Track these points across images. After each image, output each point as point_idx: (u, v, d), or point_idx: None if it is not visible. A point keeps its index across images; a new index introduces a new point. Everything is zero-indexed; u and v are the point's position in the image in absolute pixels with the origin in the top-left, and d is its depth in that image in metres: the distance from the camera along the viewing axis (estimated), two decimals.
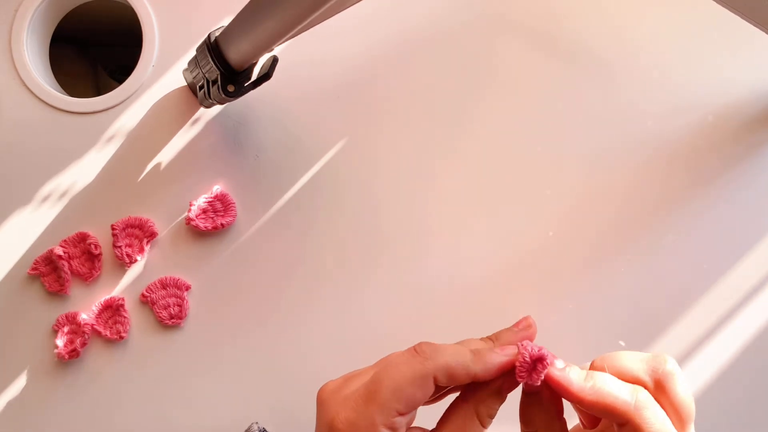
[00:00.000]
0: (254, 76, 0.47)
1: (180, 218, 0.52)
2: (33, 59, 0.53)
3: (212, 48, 0.45)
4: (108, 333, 0.50)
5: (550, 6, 0.55)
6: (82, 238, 0.51)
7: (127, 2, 0.53)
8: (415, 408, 0.31)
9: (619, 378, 0.32)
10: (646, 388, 0.32)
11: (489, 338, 0.36)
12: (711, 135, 0.54)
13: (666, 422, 0.30)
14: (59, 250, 0.50)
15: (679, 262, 0.53)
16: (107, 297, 0.50)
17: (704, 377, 0.52)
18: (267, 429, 0.48)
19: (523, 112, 0.54)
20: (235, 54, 0.44)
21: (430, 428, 0.34)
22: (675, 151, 0.54)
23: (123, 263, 0.51)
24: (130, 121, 0.52)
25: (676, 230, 0.53)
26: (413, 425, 0.32)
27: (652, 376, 0.32)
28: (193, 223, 0.50)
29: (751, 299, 0.53)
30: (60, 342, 0.49)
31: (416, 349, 0.32)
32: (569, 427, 0.34)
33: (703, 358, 0.52)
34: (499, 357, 0.32)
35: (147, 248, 0.51)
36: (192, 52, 0.48)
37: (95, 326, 0.50)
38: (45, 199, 0.51)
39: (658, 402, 0.31)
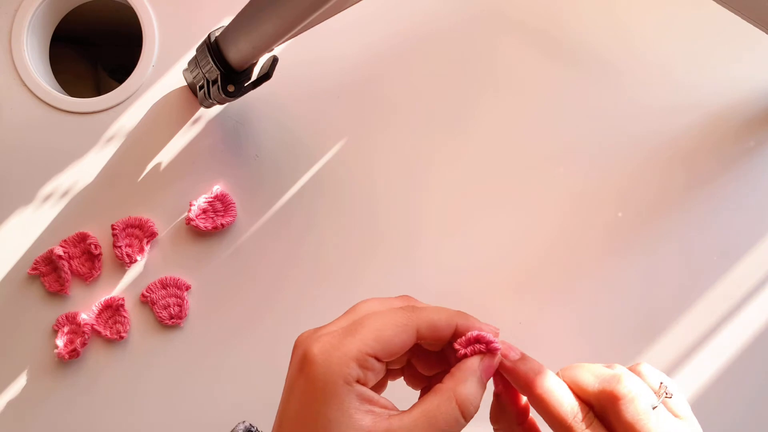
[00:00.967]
0: (254, 76, 0.47)
1: (180, 218, 0.52)
2: (33, 59, 0.53)
3: (212, 48, 0.45)
4: (108, 333, 0.50)
5: (552, 5, 0.55)
6: (83, 238, 0.51)
7: (127, 2, 0.53)
8: (390, 357, 0.31)
9: (571, 389, 0.32)
10: (591, 405, 0.32)
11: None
12: (712, 134, 0.54)
13: None
14: (59, 250, 0.50)
15: (679, 263, 0.53)
16: (107, 297, 0.51)
17: (704, 377, 0.52)
18: (259, 428, 0.48)
19: (524, 111, 0.54)
20: (235, 54, 0.44)
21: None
22: (676, 150, 0.54)
23: (123, 263, 0.51)
24: (130, 121, 0.52)
25: (677, 230, 0.53)
26: (388, 406, 0.31)
27: (599, 395, 0.32)
28: (193, 223, 0.51)
29: (751, 299, 0.53)
30: (60, 342, 0.49)
31: (402, 307, 0.32)
32: None
33: (701, 357, 0.52)
34: (477, 323, 0.33)
35: (147, 248, 0.51)
36: (192, 52, 0.48)
37: (95, 326, 0.50)
38: (45, 198, 0.52)
39: (605, 421, 0.31)
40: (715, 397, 0.52)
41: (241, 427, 0.44)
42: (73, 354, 0.49)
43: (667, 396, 0.32)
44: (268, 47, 0.42)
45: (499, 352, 0.32)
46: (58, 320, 0.50)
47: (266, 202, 0.52)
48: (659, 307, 0.52)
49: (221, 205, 0.51)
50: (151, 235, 0.51)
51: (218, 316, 0.51)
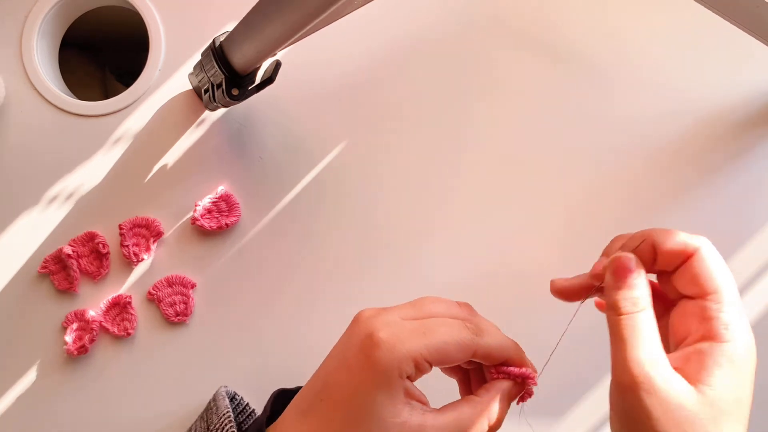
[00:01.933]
0: (258, 80, 0.47)
1: (185, 218, 0.52)
2: (43, 63, 0.54)
3: (217, 53, 0.46)
4: (116, 330, 0.51)
5: (549, 12, 0.56)
6: (91, 237, 0.52)
7: (135, 8, 0.53)
8: (443, 365, 0.32)
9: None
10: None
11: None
12: (705, 137, 0.55)
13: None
14: (68, 249, 0.51)
15: None
16: (115, 295, 0.51)
17: None
18: (237, 392, 0.48)
19: (521, 115, 0.55)
20: (239, 58, 0.45)
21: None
22: (669, 154, 0.55)
23: (130, 262, 0.52)
24: (137, 123, 0.53)
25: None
26: (424, 401, 0.33)
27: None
28: (198, 222, 0.51)
29: (744, 298, 0.53)
30: (69, 338, 0.50)
31: (467, 324, 0.33)
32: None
33: None
34: (525, 359, 0.34)
35: (153, 247, 0.52)
36: (197, 57, 0.49)
37: (103, 323, 0.51)
38: (54, 199, 0.52)
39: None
40: None
41: (224, 390, 0.44)
42: (82, 350, 0.50)
43: None
44: (272, 52, 0.43)
45: (526, 389, 0.34)
46: (67, 317, 0.51)
47: (270, 202, 0.53)
48: None
49: (226, 205, 0.52)
50: (158, 235, 0.52)
51: (223, 313, 0.52)
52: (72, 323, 0.51)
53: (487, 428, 0.32)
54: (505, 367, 0.34)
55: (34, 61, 0.53)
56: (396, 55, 0.55)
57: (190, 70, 0.52)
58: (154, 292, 0.51)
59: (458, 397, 0.35)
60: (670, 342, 0.33)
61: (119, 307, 0.51)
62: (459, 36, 0.55)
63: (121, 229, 0.51)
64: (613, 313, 0.32)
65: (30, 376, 0.50)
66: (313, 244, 0.53)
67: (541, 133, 0.55)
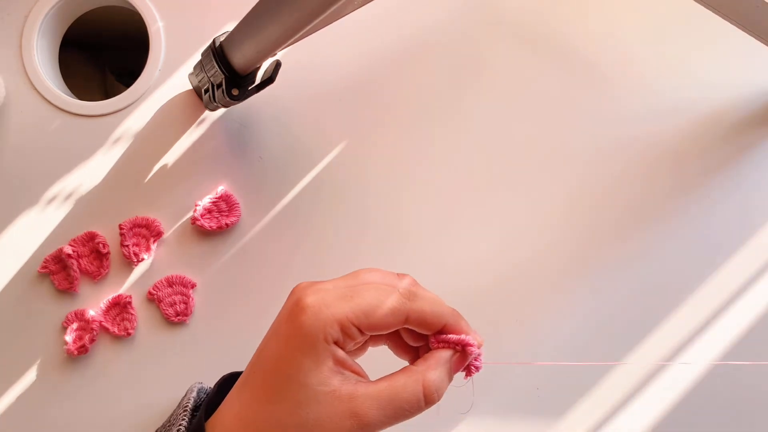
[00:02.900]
0: (258, 80, 0.47)
1: (185, 218, 0.53)
2: (43, 63, 0.54)
3: (217, 53, 0.46)
4: (116, 330, 0.51)
5: (549, 13, 0.56)
6: (91, 237, 0.52)
7: (135, 8, 0.54)
8: (373, 332, 0.32)
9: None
10: None
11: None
12: (699, 138, 0.55)
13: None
14: (68, 249, 0.51)
15: (672, 262, 0.54)
16: (115, 294, 0.51)
17: (694, 376, 0.53)
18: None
19: (521, 115, 0.55)
20: (239, 58, 0.45)
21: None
22: (663, 153, 0.55)
23: (130, 262, 0.52)
24: (137, 123, 0.53)
25: (668, 231, 0.54)
26: (359, 372, 0.32)
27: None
28: (198, 222, 0.51)
29: (740, 298, 0.53)
30: (69, 338, 0.50)
31: (400, 290, 0.32)
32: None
33: (693, 356, 0.53)
34: (465, 326, 0.34)
35: (154, 247, 0.52)
36: (197, 57, 0.49)
37: (103, 323, 0.51)
38: (54, 199, 0.52)
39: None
40: (709, 393, 0.52)
41: (197, 386, 0.44)
42: (82, 350, 0.50)
43: None
44: (272, 52, 0.43)
45: (471, 357, 0.33)
46: (67, 317, 0.51)
47: (269, 202, 0.53)
48: (652, 304, 0.53)
49: (226, 205, 0.52)
50: (158, 235, 0.52)
51: (223, 313, 0.52)
52: (72, 323, 0.51)
53: (422, 397, 0.31)
54: (443, 335, 0.33)
55: (34, 61, 0.53)
56: (396, 56, 0.55)
57: (190, 70, 0.52)
58: (154, 292, 0.51)
59: None
60: None
61: (119, 307, 0.51)
62: (459, 37, 0.55)
63: (121, 229, 0.51)
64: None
65: (30, 376, 0.50)
66: (313, 243, 0.53)
67: (541, 134, 0.55)
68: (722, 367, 0.53)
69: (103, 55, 0.81)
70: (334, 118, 0.54)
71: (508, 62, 0.55)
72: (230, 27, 0.46)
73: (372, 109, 0.54)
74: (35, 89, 0.53)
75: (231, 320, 0.52)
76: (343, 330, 0.31)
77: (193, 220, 0.51)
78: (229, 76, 0.46)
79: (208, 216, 0.52)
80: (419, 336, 0.35)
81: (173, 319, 0.51)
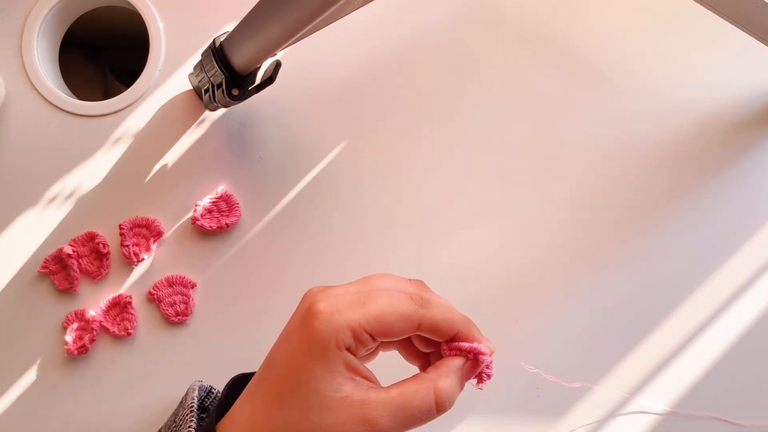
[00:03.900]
0: (258, 80, 0.47)
1: (186, 218, 0.53)
2: (43, 63, 0.54)
3: (217, 53, 0.46)
4: (116, 330, 0.51)
5: (549, 14, 0.56)
6: (91, 237, 0.52)
7: (135, 8, 0.54)
8: (385, 338, 0.32)
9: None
10: None
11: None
12: (699, 138, 0.55)
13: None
14: (68, 249, 0.51)
15: (670, 262, 0.54)
16: (115, 294, 0.51)
17: (692, 374, 0.53)
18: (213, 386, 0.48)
19: (522, 115, 0.55)
20: (239, 59, 0.45)
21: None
22: (663, 153, 0.55)
23: (130, 262, 0.52)
24: (137, 123, 0.53)
25: (666, 231, 0.54)
26: (370, 378, 0.32)
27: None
28: (198, 222, 0.51)
29: (739, 299, 0.53)
30: (69, 338, 0.50)
31: (413, 296, 0.32)
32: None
33: (691, 356, 0.53)
34: (478, 334, 0.34)
35: (154, 247, 0.52)
36: (197, 57, 0.49)
37: (103, 323, 0.51)
38: (54, 199, 0.52)
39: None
40: (706, 394, 0.52)
41: (197, 384, 0.44)
42: (82, 350, 0.50)
43: None
44: (272, 52, 0.43)
45: (483, 365, 0.33)
46: (67, 317, 0.51)
47: (270, 202, 0.53)
48: (651, 305, 0.53)
49: (226, 205, 0.52)
50: (158, 235, 0.52)
51: (223, 313, 0.52)
52: (72, 323, 0.51)
53: (434, 405, 0.31)
54: (456, 343, 0.33)
55: (34, 61, 0.53)
56: (396, 56, 0.55)
57: (190, 70, 0.52)
58: (155, 292, 0.51)
59: None
60: None
61: (119, 307, 0.51)
62: (459, 37, 0.56)
63: (121, 228, 0.52)
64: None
65: (30, 376, 0.50)
66: (313, 243, 0.53)
67: (541, 134, 0.55)
68: (722, 368, 0.53)
69: (103, 55, 0.82)
70: (334, 118, 0.54)
71: (508, 62, 0.55)
72: (230, 27, 0.46)
73: (372, 109, 0.54)
74: (35, 89, 0.53)
75: (231, 320, 0.52)
76: (356, 336, 0.31)
77: (193, 220, 0.51)
78: (229, 76, 0.46)
79: (208, 216, 0.52)
80: (430, 342, 0.35)
81: (173, 319, 0.51)
